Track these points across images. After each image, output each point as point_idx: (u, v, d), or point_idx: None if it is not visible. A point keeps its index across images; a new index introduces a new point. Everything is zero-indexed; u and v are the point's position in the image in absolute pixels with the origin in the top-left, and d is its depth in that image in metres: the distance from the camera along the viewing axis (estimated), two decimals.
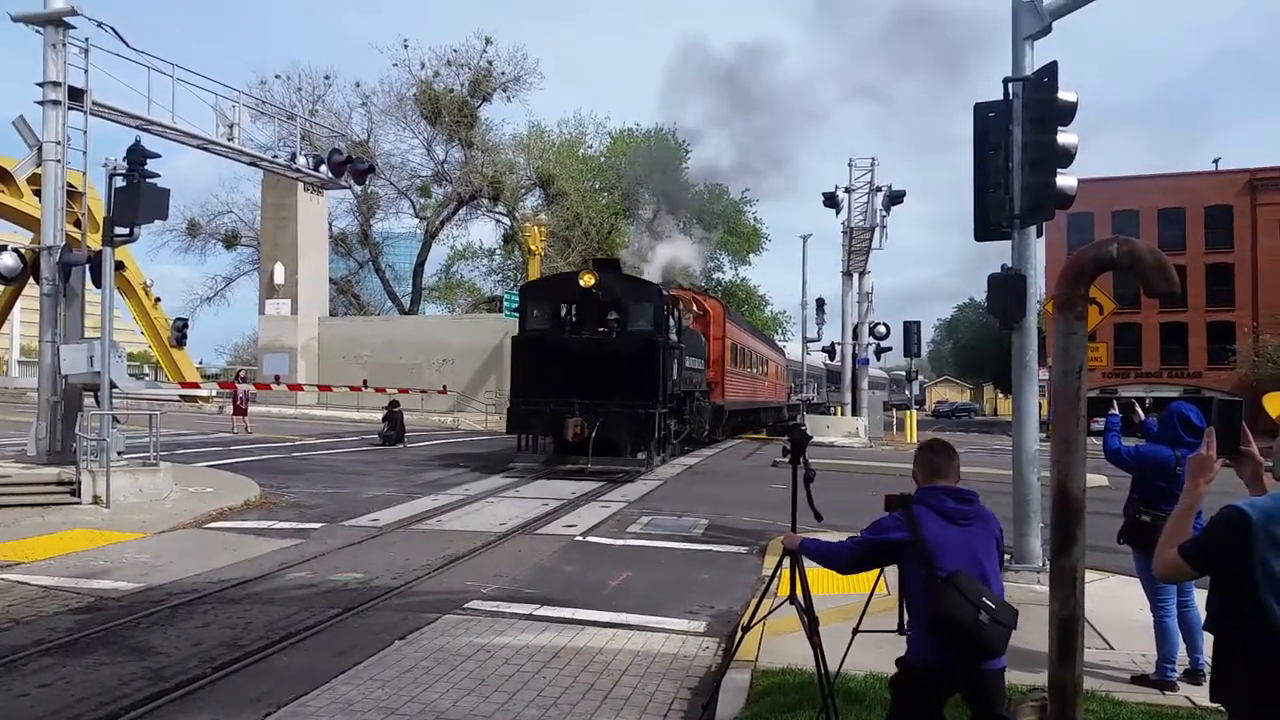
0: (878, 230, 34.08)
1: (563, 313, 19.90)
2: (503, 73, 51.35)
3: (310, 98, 50.11)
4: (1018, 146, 9.24)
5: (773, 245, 72.32)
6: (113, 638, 7.18)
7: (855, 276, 35.70)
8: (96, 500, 13.27)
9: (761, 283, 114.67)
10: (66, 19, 14.98)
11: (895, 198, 33.61)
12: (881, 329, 36.37)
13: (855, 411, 36.21)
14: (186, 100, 19.20)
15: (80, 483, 13.42)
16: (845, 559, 4.28)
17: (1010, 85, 9.48)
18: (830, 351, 40.51)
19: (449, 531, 12.34)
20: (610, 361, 18.67)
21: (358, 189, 29.95)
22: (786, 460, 5.11)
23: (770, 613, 5.46)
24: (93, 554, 10.31)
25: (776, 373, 44.23)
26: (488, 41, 51.39)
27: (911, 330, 36.10)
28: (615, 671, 6.64)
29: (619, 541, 11.93)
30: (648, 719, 5.81)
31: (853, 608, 5.58)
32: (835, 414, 38.82)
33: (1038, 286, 10.56)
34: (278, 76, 50.60)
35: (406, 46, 53.21)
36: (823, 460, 22.94)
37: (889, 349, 37.48)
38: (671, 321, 20.19)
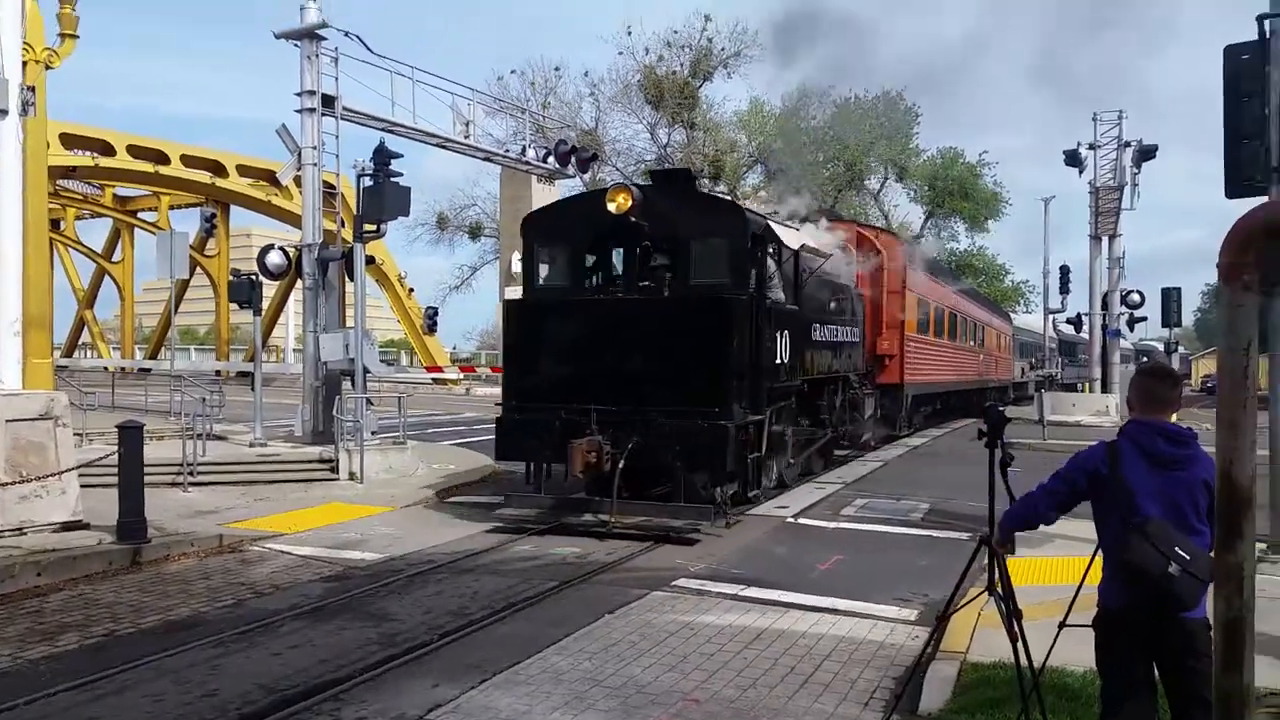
0: (1128, 189, 31.37)
1: (587, 260, 12.77)
2: (722, 49, 51.29)
3: (543, 90, 52.19)
4: (1276, 90, 8.29)
5: (1013, 211, 68.13)
6: (355, 604, 7.92)
7: (1104, 240, 33.05)
8: (352, 476, 14.59)
9: (1001, 251, 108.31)
10: (318, 31, 16.46)
11: (1146, 153, 30.76)
12: (1135, 297, 33.49)
13: (1105, 388, 33.64)
14: (426, 101, 20.57)
15: (338, 460, 14.79)
16: (1044, 502, 4.05)
17: (1268, 22, 8.50)
18: (1076, 323, 37.79)
19: None
20: (654, 338, 11.40)
21: (585, 177, 30.99)
22: (984, 444, 4.86)
23: (966, 603, 5.23)
24: (345, 526, 11.36)
25: (1000, 344, 38.20)
26: (707, 19, 51.49)
27: (1171, 297, 33.02)
28: (817, 656, 6.59)
29: (832, 524, 11.77)
30: (847, 706, 5.73)
31: (1066, 601, 5.24)
32: (1083, 390, 36.30)
33: None
34: (513, 72, 52.92)
35: (630, 33, 54.19)
36: (1066, 440, 21.55)
37: (1143, 319, 34.45)
38: (773, 267, 12.66)
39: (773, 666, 6.35)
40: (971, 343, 31.44)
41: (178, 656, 6.47)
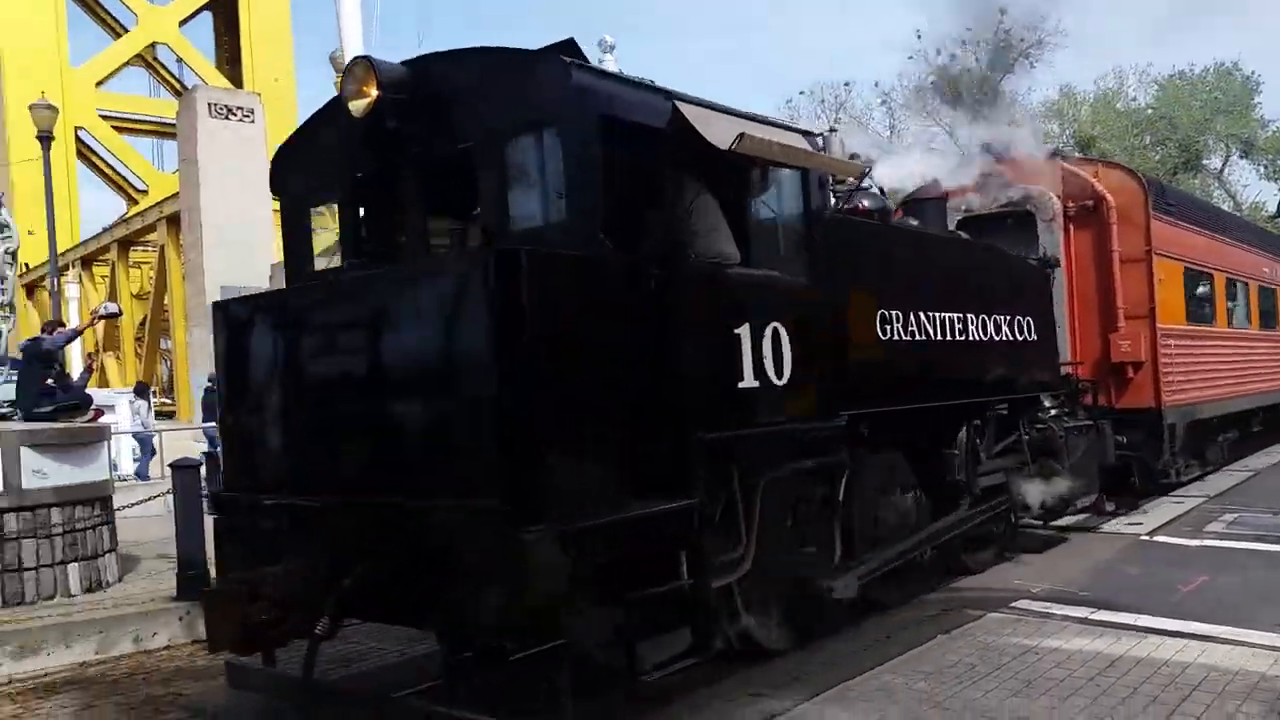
0: None
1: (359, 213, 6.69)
2: (1022, 39, 48.34)
3: (833, 107, 51.86)
4: None
5: None
6: None
7: None
8: None
9: None
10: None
11: None
12: None
13: None
14: None
15: None
16: None
17: None
18: None
19: None
20: (413, 356, 5.19)
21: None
22: None
23: None
24: None
25: None
26: (1002, 12, 48.74)
27: None
28: (1184, 686, 5.93)
29: (1194, 542, 10.58)
30: None
31: None
32: None
33: None
34: (802, 93, 53.13)
35: (920, 37, 52.62)
36: None
37: None
38: (701, 192, 6.07)
39: (1131, 695, 5.80)
40: None
41: None
